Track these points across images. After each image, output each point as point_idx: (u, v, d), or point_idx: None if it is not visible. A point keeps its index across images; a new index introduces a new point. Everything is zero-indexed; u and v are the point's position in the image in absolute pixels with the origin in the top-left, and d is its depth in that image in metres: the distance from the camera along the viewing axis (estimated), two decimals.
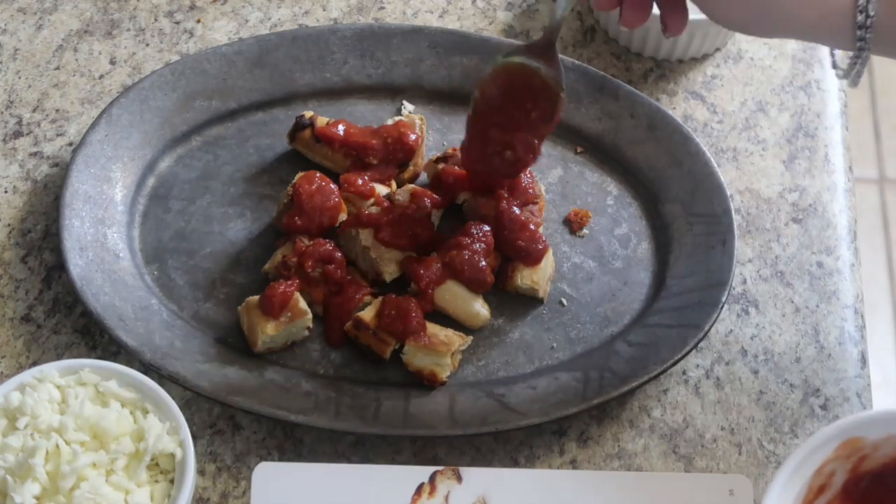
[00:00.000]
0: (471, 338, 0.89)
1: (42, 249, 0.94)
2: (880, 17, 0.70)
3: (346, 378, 0.88)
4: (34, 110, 1.01)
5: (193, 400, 0.87)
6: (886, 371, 1.96)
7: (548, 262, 0.92)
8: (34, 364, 0.88)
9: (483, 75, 0.86)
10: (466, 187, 0.93)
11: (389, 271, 0.90)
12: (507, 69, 0.86)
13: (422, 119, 0.97)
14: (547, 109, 0.86)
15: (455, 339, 0.87)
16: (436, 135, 1.00)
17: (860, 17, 0.70)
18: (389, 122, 0.96)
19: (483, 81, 0.86)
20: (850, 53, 0.74)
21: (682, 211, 0.95)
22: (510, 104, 0.86)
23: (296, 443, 0.86)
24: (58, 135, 1.00)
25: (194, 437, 0.83)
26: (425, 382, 0.87)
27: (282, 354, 0.89)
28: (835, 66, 0.78)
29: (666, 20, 0.81)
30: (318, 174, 0.93)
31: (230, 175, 0.97)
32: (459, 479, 0.82)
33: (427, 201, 0.92)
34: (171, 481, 0.78)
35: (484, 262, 0.90)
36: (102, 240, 0.92)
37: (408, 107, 1.00)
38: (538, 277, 0.91)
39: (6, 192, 0.97)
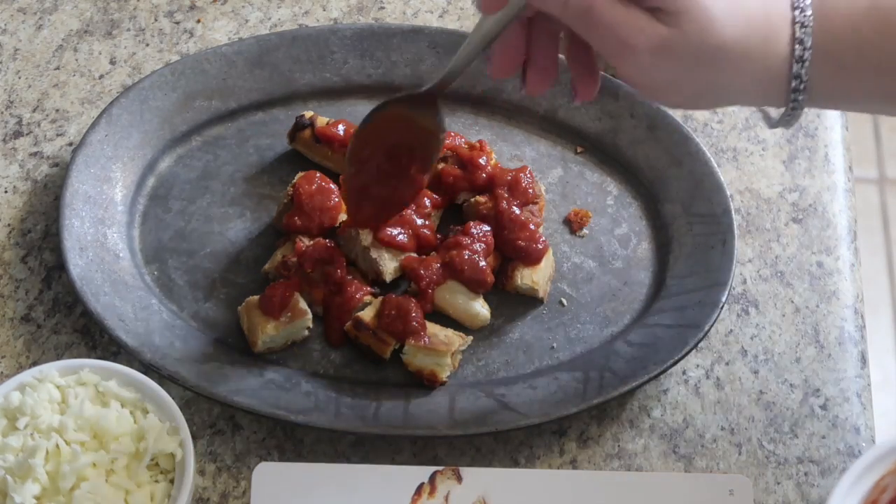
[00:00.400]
0: (471, 338, 0.89)
1: (42, 249, 0.94)
2: (813, 80, 0.70)
3: (346, 378, 0.88)
4: (34, 110, 1.01)
5: (193, 400, 0.87)
6: (886, 371, 1.96)
7: (548, 262, 0.92)
8: (34, 364, 0.88)
9: (356, 129, 0.84)
10: (464, 187, 0.93)
11: (389, 271, 0.90)
12: (382, 117, 0.82)
13: None
14: (425, 156, 0.85)
15: (455, 339, 0.87)
16: None
17: (794, 83, 0.70)
18: None
19: (361, 125, 0.83)
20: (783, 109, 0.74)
21: (682, 211, 0.95)
22: (385, 156, 0.85)
23: (296, 443, 0.86)
24: (58, 135, 1.00)
25: (194, 437, 0.83)
26: (425, 382, 0.87)
27: (282, 354, 0.89)
28: (767, 117, 0.77)
29: (576, 85, 0.76)
30: (318, 174, 0.93)
31: (230, 175, 0.97)
32: (459, 479, 0.82)
33: (427, 201, 0.92)
34: (171, 481, 0.78)
35: (484, 262, 0.90)
36: (102, 240, 0.92)
37: None
38: (538, 277, 0.91)
39: (6, 192, 0.97)
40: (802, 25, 0.70)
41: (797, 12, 0.70)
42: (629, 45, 0.68)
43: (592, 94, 0.76)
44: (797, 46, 0.70)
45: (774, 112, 0.75)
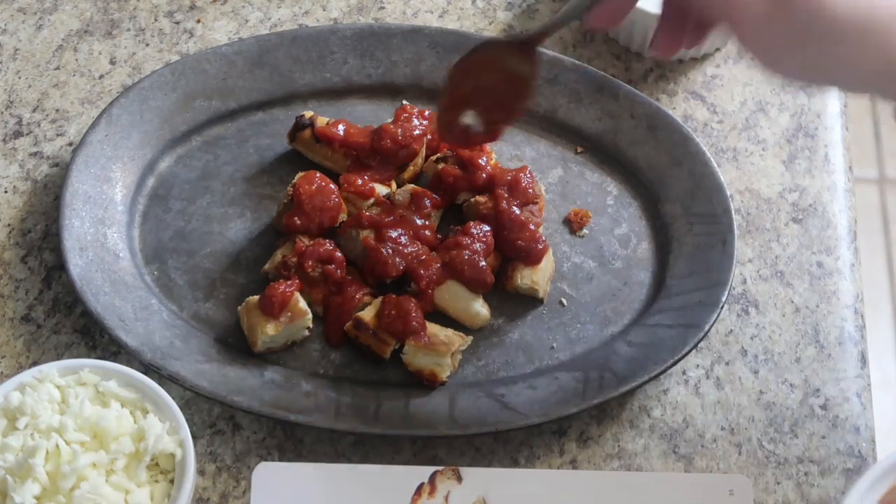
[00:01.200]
0: (470, 338, 0.89)
1: (42, 249, 0.94)
2: None
3: (346, 378, 0.88)
4: (34, 110, 1.01)
5: (193, 400, 0.87)
6: (886, 371, 1.96)
7: (548, 262, 0.92)
8: (34, 364, 0.88)
9: (461, 57, 0.84)
10: (464, 187, 0.93)
11: None
12: (484, 51, 0.83)
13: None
14: (519, 94, 0.84)
15: (455, 339, 0.87)
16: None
17: None
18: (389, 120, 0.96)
19: (459, 61, 0.84)
20: None
21: (682, 211, 0.95)
22: (482, 82, 0.84)
23: (296, 443, 0.86)
24: (58, 135, 1.00)
25: (194, 437, 0.83)
26: (425, 382, 0.87)
27: (282, 354, 0.89)
28: None
29: (660, 36, 0.77)
30: (318, 174, 0.93)
31: (230, 175, 0.97)
32: (459, 479, 0.82)
33: (427, 201, 0.92)
34: (171, 481, 0.78)
35: (484, 262, 0.90)
36: (102, 240, 0.92)
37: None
38: (538, 277, 0.91)
39: (6, 192, 0.97)
40: None
41: None
42: (743, 11, 0.67)
43: (672, 52, 0.76)
44: None
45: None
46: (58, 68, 1.04)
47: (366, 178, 0.94)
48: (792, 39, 0.68)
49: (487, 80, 0.84)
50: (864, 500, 0.71)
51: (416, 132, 0.94)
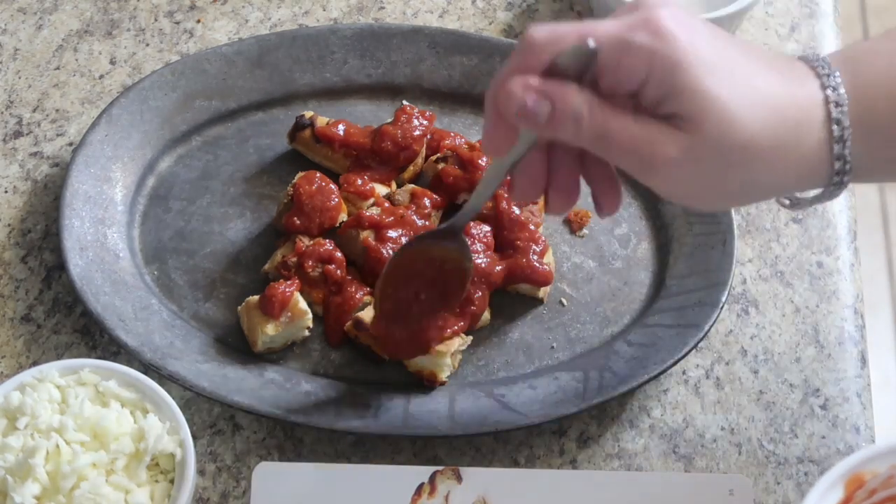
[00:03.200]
0: (470, 338, 0.89)
1: (42, 249, 0.94)
2: (855, 159, 0.67)
3: (346, 378, 0.88)
4: (34, 110, 1.01)
5: (193, 400, 0.87)
6: (886, 371, 1.96)
7: (548, 261, 0.92)
8: (34, 364, 0.88)
9: (389, 262, 0.84)
10: (464, 187, 0.93)
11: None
12: (410, 252, 0.83)
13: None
14: (456, 282, 0.84)
15: (455, 340, 0.87)
16: None
17: (838, 164, 0.67)
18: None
19: (387, 270, 0.84)
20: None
21: (682, 211, 0.95)
22: (418, 281, 0.84)
23: (296, 443, 0.86)
24: (58, 135, 1.00)
25: (194, 437, 0.83)
26: (425, 383, 0.87)
27: (282, 354, 0.89)
28: (792, 201, 0.74)
29: (599, 200, 0.72)
30: (318, 174, 0.93)
31: (230, 175, 0.97)
32: (459, 479, 0.82)
33: (427, 201, 0.92)
34: (171, 481, 0.78)
35: (488, 260, 0.90)
36: (102, 240, 0.92)
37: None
38: None
39: (6, 192, 0.97)
40: (837, 104, 0.66)
41: (829, 91, 0.66)
42: (652, 161, 0.65)
43: (617, 207, 0.72)
44: (835, 127, 0.66)
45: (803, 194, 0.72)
46: (58, 68, 1.04)
47: (366, 178, 0.94)
48: (715, 167, 0.66)
49: (423, 271, 0.83)
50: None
51: (416, 133, 0.94)
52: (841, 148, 0.66)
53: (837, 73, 0.67)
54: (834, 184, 0.68)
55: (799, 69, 0.68)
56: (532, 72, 0.65)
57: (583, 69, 0.64)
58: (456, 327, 0.86)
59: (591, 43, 0.63)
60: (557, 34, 0.65)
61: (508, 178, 0.72)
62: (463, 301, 0.88)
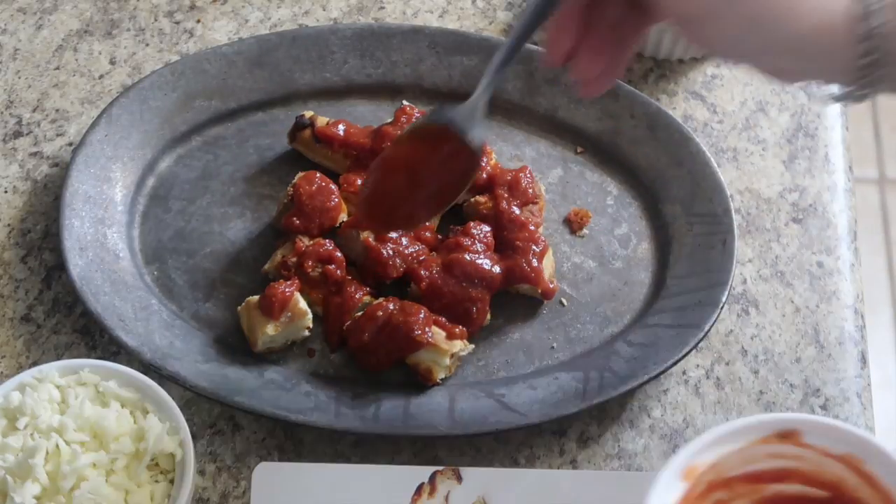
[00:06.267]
0: (472, 346, 0.88)
1: (42, 249, 0.94)
2: (890, 32, 0.57)
3: (346, 378, 0.88)
4: (34, 110, 1.01)
5: (193, 400, 0.87)
6: (886, 371, 1.96)
7: (548, 261, 0.92)
8: (34, 364, 0.88)
9: (400, 133, 0.80)
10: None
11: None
12: (426, 130, 0.78)
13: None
14: (461, 172, 0.79)
15: (457, 341, 0.87)
16: None
17: (865, 45, 0.58)
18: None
19: (399, 138, 0.80)
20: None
21: (682, 211, 0.95)
22: (421, 162, 0.79)
23: (296, 443, 0.86)
24: (58, 135, 1.00)
25: (194, 437, 0.83)
26: (420, 378, 0.87)
27: (282, 354, 0.89)
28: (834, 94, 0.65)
29: (587, 56, 0.68)
30: (318, 174, 0.93)
31: (230, 175, 0.97)
32: (459, 479, 0.82)
33: None
34: (171, 481, 0.78)
35: (488, 262, 0.90)
36: (102, 240, 0.92)
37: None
38: None
39: (6, 192, 0.97)
40: None
41: None
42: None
43: (601, 90, 0.69)
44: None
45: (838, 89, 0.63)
46: (58, 68, 1.04)
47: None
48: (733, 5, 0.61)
49: (426, 162, 0.79)
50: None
51: None
52: (868, 25, 0.58)
53: None
54: (861, 74, 0.59)
55: None
56: None
57: None
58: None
59: None
60: None
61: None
62: (463, 301, 0.88)
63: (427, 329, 0.86)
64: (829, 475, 0.71)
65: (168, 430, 0.78)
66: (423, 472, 0.83)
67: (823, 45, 0.60)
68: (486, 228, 0.91)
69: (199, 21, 1.07)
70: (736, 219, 0.93)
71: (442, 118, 0.77)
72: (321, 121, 0.96)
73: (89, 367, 0.80)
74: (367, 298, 0.89)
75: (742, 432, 0.71)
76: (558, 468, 0.86)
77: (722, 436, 0.70)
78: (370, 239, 0.90)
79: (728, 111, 1.03)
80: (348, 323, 0.88)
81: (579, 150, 0.99)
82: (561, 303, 0.92)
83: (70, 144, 1.00)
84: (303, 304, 0.88)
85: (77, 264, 0.89)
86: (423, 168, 0.80)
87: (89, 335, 0.90)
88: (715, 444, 0.70)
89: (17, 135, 1.00)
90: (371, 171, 0.83)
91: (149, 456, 0.77)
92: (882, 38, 0.57)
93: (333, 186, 0.92)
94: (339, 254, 0.90)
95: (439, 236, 0.93)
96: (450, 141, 0.77)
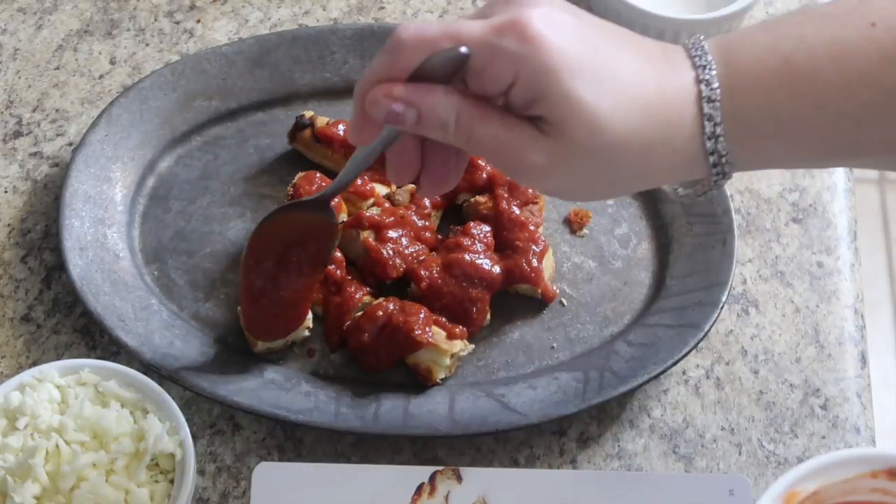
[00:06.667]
0: (472, 346, 0.89)
1: (42, 249, 0.94)
2: (732, 152, 0.65)
3: (346, 378, 0.88)
4: (34, 110, 1.02)
5: (193, 400, 0.87)
6: (886, 371, 1.96)
7: (548, 262, 0.92)
8: (34, 364, 0.88)
9: (250, 237, 0.84)
10: (464, 187, 0.93)
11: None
12: (275, 221, 0.83)
13: None
14: (321, 249, 0.85)
15: (458, 341, 0.87)
16: None
17: (713, 158, 0.65)
18: None
19: (250, 243, 0.84)
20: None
21: (682, 211, 0.95)
22: (281, 250, 0.84)
23: (296, 443, 0.86)
24: (58, 135, 1.00)
25: (194, 437, 0.83)
26: (420, 378, 0.87)
27: (282, 354, 0.89)
28: (676, 192, 0.73)
29: (432, 178, 0.71)
30: (318, 174, 0.93)
31: (230, 175, 0.97)
32: (459, 479, 0.82)
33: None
34: (171, 481, 0.78)
35: (488, 262, 0.90)
36: (102, 240, 0.92)
37: None
38: None
39: (6, 192, 0.97)
40: (710, 100, 0.64)
41: (703, 86, 0.64)
42: (518, 166, 0.65)
43: (437, 192, 0.72)
44: (707, 123, 0.65)
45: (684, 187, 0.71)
46: (58, 68, 1.04)
47: (366, 178, 0.94)
48: (584, 167, 0.65)
49: (287, 240, 0.84)
50: None
51: None
52: (714, 144, 0.65)
53: (713, 65, 0.65)
54: (716, 175, 0.67)
55: (676, 60, 0.66)
56: (399, 75, 0.64)
57: (452, 72, 0.63)
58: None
59: (464, 49, 0.62)
60: (426, 36, 0.64)
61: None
62: (463, 301, 0.88)
63: (427, 329, 0.86)
64: None
65: (168, 430, 0.78)
66: (423, 472, 0.83)
67: (683, 174, 0.68)
68: (486, 228, 0.91)
69: (199, 21, 1.07)
70: (736, 219, 0.93)
71: (296, 204, 0.84)
72: (321, 121, 0.96)
73: (89, 367, 0.80)
74: (367, 298, 0.89)
75: (854, 463, 0.68)
76: (558, 468, 0.86)
77: (828, 464, 0.68)
78: (370, 239, 0.90)
79: None
80: (348, 323, 0.88)
81: None
82: (561, 303, 0.92)
83: (70, 144, 1.00)
84: None
85: (77, 264, 0.89)
86: (290, 244, 0.84)
87: (89, 335, 0.90)
88: (820, 472, 0.68)
89: (17, 135, 1.00)
90: (243, 268, 0.85)
91: (149, 456, 0.77)
92: (723, 149, 0.66)
93: None
94: (339, 254, 0.90)
95: (439, 236, 0.93)
96: (307, 215, 0.82)
